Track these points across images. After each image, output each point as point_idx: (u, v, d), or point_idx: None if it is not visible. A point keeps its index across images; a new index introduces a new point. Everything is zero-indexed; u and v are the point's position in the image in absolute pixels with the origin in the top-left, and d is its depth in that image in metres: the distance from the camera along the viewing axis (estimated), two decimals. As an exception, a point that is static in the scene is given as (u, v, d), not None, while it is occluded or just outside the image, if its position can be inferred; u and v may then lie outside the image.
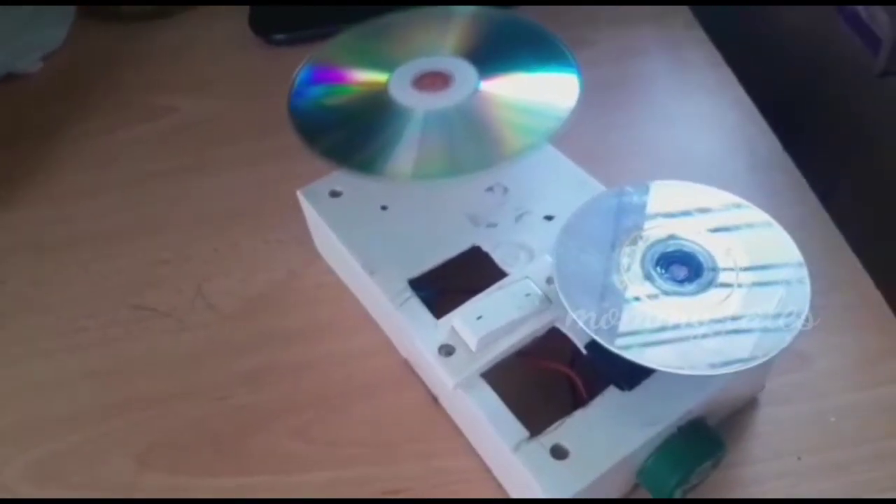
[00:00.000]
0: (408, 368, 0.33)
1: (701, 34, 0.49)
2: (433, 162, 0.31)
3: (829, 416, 0.30)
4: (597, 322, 0.26)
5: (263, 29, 0.51)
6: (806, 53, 0.49)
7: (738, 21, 0.54)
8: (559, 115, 0.31)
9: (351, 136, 0.32)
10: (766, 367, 0.29)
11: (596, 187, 0.34)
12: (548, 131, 0.31)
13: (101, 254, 0.39)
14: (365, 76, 0.34)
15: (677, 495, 0.27)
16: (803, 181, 0.40)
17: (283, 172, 0.42)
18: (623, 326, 0.26)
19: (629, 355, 0.25)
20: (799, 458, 0.29)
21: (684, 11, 0.51)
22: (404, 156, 0.31)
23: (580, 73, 0.33)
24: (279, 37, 0.51)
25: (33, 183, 0.43)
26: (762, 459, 0.29)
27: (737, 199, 0.30)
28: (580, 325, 0.26)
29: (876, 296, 0.34)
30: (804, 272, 0.27)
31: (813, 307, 0.26)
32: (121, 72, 0.51)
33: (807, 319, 0.26)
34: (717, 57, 0.48)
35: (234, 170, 0.43)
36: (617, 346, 0.25)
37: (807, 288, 0.27)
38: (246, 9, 0.53)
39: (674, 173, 0.41)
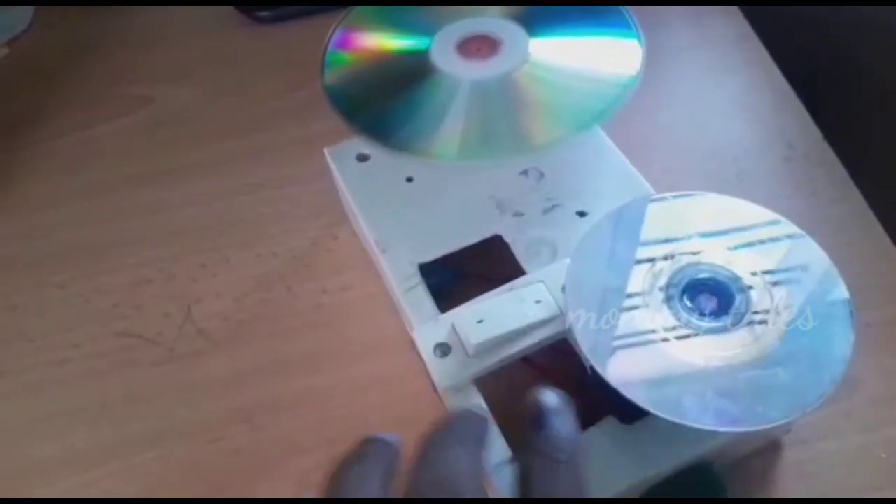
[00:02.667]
0: (420, 399, 0.30)
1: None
2: (480, 142, 0.28)
3: (879, 451, 0.28)
4: (601, 349, 0.24)
5: (246, 4, 0.46)
6: (847, 19, 0.44)
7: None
8: (618, 91, 0.28)
9: (392, 110, 0.29)
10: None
11: (639, 186, 0.31)
12: (607, 109, 0.28)
13: (80, 272, 0.36)
14: (403, 41, 0.31)
15: None
16: (845, 175, 0.36)
17: (276, 173, 0.39)
18: (628, 359, 0.24)
19: (626, 392, 0.23)
20: None
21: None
22: (449, 134, 0.28)
23: (642, 40, 0.29)
24: (264, 13, 0.46)
25: (0, 190, 0.40)
26: (808, 505, 0.27)
27: (792, 227, 0.27)
28: (582, 350, 0.24)
29: (928, 310, 0.32)
30: (851, 339, 0.24)
31: (858, 325, 0.24)
32: (91, 58, 0.46)
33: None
34: (746, 27, 0.43)
35: (219, 171, 0.39)
36: (615, 381, 0.23)
37: (847, 350, 0.24)
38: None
39: (700, 166, 0.38)
